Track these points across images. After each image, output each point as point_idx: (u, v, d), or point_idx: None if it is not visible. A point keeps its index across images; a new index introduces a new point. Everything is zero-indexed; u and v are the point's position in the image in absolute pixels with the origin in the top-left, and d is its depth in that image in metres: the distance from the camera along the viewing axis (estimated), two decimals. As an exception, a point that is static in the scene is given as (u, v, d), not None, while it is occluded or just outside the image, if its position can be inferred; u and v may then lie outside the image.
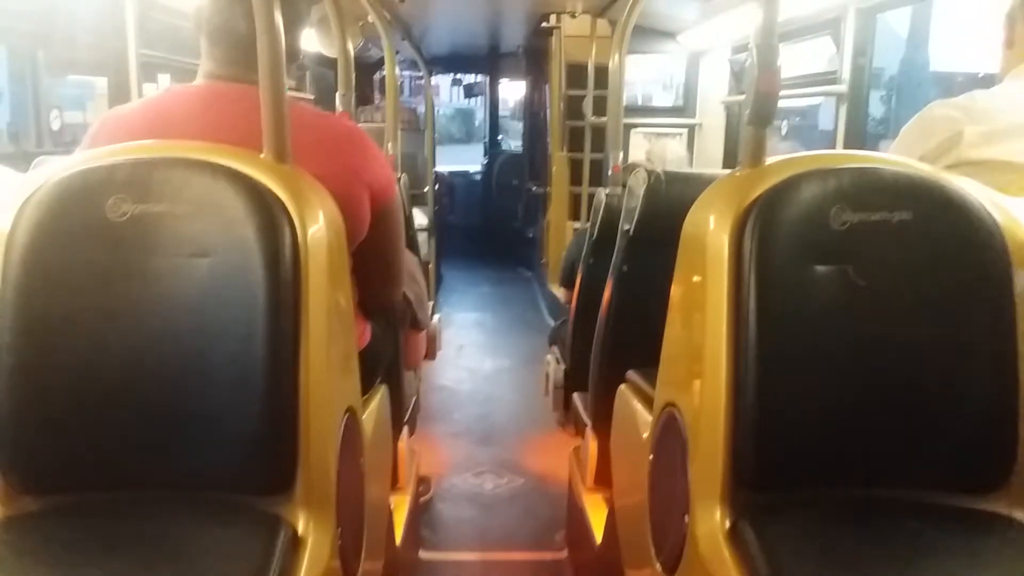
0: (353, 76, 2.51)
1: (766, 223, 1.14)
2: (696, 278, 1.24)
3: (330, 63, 4.77)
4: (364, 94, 6.64)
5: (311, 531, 1.08)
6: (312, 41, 3.83)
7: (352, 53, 2.54)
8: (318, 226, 1.13)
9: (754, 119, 1.24)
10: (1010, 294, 1.14)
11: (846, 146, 2.87)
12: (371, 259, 1.54)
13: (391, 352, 1.86)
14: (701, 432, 1.17)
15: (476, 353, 4.92)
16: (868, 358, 1.14)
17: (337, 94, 2.49)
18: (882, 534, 1.06)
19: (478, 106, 13.20)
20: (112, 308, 1.08)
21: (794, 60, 3.41)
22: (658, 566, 1.29)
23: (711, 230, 1.19)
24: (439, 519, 2.76)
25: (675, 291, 1.34)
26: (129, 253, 1.08)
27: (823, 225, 1.14)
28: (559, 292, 3.17)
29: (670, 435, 1.29)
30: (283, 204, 1.10)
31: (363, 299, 1.59)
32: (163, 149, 1.17)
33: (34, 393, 1.08)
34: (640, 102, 5.32)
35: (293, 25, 1.47)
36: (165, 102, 1.43)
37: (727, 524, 1.11)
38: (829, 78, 3.01)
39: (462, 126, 18.31)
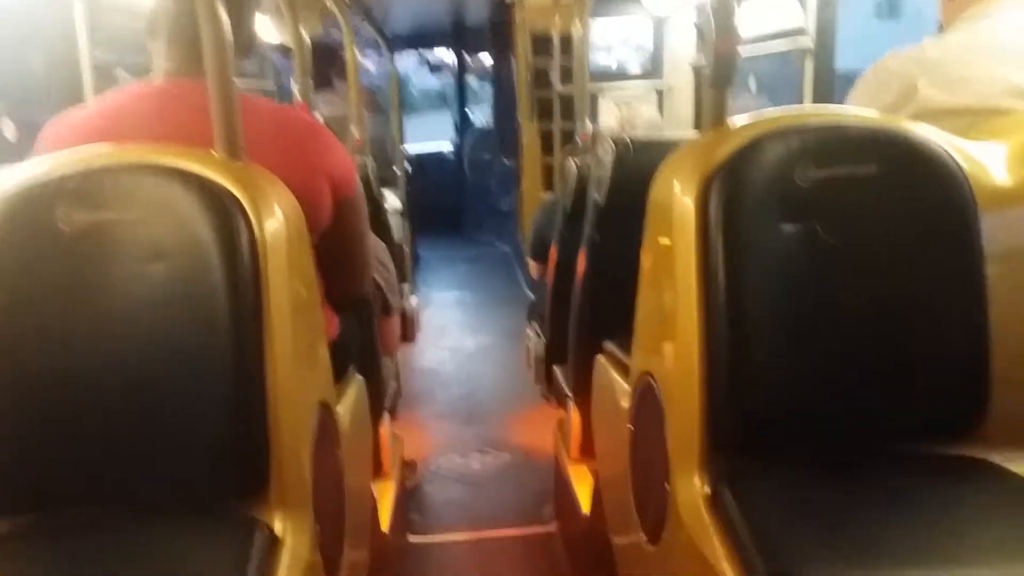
0: (310, 63, 2.46)
1: (731, 185, 1.13)
2: (664, 244, 1.23)
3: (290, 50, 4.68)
4: (327, 79, 6.53)
5: (289, 530, 1.07)
6: (270, 30, 3.75)
7: (308, 40, 2.49)
8: (275, 221, 1.11)
9: (714, 81, 1.23)
10: (978, 240, 1.14)
11: (815, 100, 2.86)
12: (335, 250, 1.51)
13: (363, 341, 1.84)
14: (676, 399, 1.17)
15: (457, 332, 4.91)
16: (839, 314, 1.14)
17: (293, 83, 2.44)
18: (862, 488, 1.07)
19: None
20: (70, 320, 1.05)
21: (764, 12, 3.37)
22: (643, 534, 1.29)
23: (676, 195, 1.18)
24: (427, 502, 2.77)
25: (645, 258, 1.33)
26: (84, 263, 1.05)
27: (788, 183, 1.13)
28: (531, 270, 3.15)
29: (647, 404, 1.28)
30: (238, 201, 1.08)
31: (330, 291, 1.57)
32: (112, 154, 1.14)
33: None
34: (613, 67, 5.27)
35: (240, 14, 1.43)
36: (118, 102, 1.39)
37: (707, 490, 1.11)
38: (795, 32, 2.99)
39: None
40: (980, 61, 1.44)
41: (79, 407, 1.05)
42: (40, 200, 1.07)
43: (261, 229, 1.07)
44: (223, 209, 1.06)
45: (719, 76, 1.22)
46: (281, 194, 1.18)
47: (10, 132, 2.46)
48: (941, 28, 1.61)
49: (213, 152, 1.14)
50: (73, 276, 1.05)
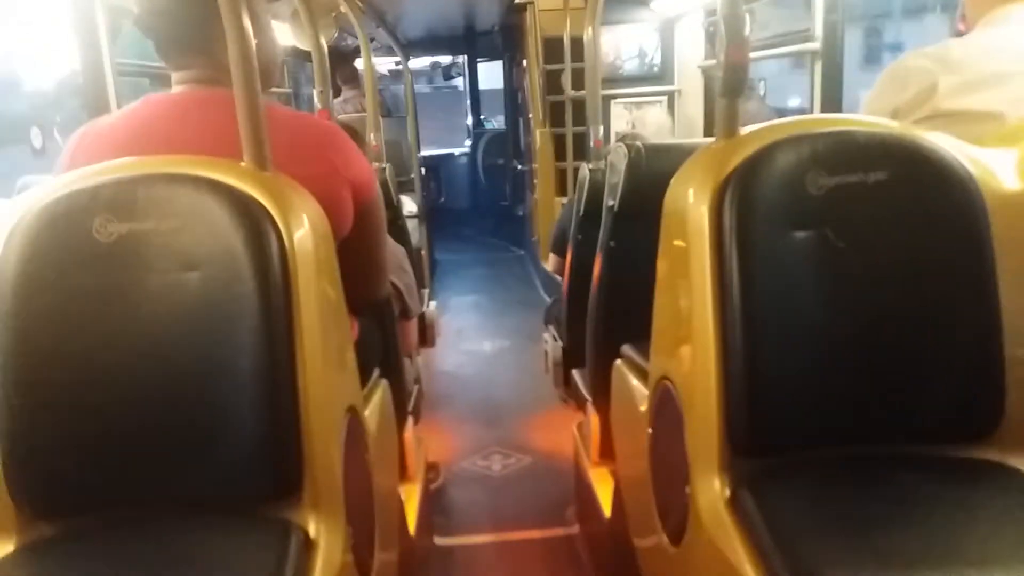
0: (328, 70, 2.50)
1: (744, 192, 1.16)
2: (679, 250, 1.25)
3: (304, 55, 4.72)
4: (335, 86, 6.57)
5: (322, 532, 1.10)
6: (287, 35, 3.79)
7: (326, 46, 2.52)
8: (303, 230, 1.14)
9: (726, 90, 1.25)
10: (989, 244, 1.15)
11: (823, 105, 2.87)
12: (354, 255, 1.54)
13: (385, 344, 1.87)
14: (695, 403, 1.19)
15: (475, 336, 4.94)
16: (853, 318, 1.16)
17: (314, 90, 2.48)
18: (880, 490, 1.08)
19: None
20: (107, 328, 1.09)
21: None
22: (664, 537, 1.32)
23: (691, 203, 1.21)
24: (451, 504, 2.79)
25: (660, 265, 1.36)
26: (119, 273, 1.09)
27: (800, 191, 1.15)
28: (549, 263, 3.19)
29: (666, 408, 1.31)
30: (268, 211, 1.11)
31: (349, 295, 1.61)
32: (145, 165, 1.17)
33: (37, 419, 1.09)
34: (624, 71, 5.29)
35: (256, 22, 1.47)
36: (143, 112, 1.41)
37: (727, 493, 1.14)
38: (802, 36, 2.99)
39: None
40: (1004, 66, 1.43)
41: (116, 413, 1.09)
42: (77, 211, 1.10)
43: (290, 238, 1.11)
44: (253, 219, 1.10)
45: (730, 85, 1.23)
46: (308, 203, 1.21)
47: (38, 141, 2.51)
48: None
49: (242, 163, 1.17)
50: (109, 285, 1.09)
